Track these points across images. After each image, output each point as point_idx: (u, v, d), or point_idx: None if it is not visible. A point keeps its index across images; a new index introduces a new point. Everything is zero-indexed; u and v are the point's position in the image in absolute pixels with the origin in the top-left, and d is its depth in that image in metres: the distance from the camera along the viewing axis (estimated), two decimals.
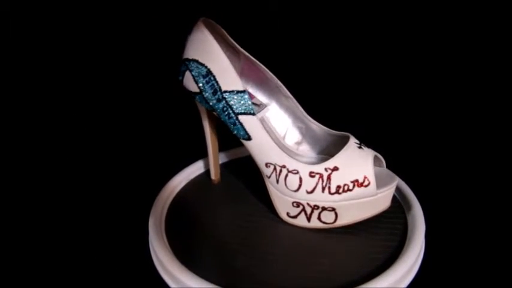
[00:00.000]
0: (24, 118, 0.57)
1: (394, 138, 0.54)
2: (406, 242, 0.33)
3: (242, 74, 0.39)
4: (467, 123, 0.58)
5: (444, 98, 0.60)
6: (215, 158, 0.42)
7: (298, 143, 0.40)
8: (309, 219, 0.35)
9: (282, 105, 0.40)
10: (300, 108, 0.39)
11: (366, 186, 0.33)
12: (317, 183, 0.33)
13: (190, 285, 0.29)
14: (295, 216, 0.35)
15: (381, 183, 0.34)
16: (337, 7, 0.59)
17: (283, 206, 0.36)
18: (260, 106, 0.39)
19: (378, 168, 0.37)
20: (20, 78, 0.55)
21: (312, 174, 0.34)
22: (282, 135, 0.40)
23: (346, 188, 0.33)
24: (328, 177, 0.33)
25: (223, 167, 0.45)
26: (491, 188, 0.48)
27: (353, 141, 0.35)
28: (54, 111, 0.59)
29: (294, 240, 0.35)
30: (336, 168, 0.33)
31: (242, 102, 0.34)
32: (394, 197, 0.38)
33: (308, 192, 0.34)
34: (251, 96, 0.39)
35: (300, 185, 0.34)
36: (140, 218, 0.37)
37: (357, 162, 0.34)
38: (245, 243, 0.34)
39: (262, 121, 0.39)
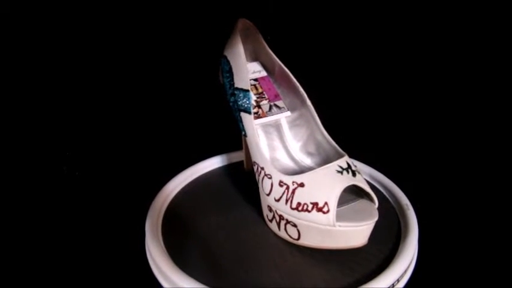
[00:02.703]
0: (25, 119, 0.54)
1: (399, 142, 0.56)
2: (400, 246, 0.34)
3: (276, 78, 0.41)
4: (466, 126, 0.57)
5: (440, 100, 0.59)
6: (246, 150, 0.45)
7: (311, 154, 0.39)
8: (278, 227, 0.35)
9: (303, 115, 0.40)
10: (318, 121, 0.38)
11: (324, 212, 0.31)
12: (283, 194, 0.33)
13: (182, 286, 0.30)
14: (270, 220, 0.36)
15: (349, 218, 0.31)
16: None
17: (264, 206, 0.37)
18: (281, 109, 0.40)
19: (364, 202, 0.33)
20: (29, 79, 0.53)
21: (281, 184, 0.34)
22: (298, 143, 0.40)
23: (305, 207, 0.32)
24: (293, 191, 0.33)
25: (221, 170, 0.46)
26: (485, 190, 0.49)
27: (336, 164, 0.33)
28: (54, 112, 0.55)
29: (285, 245, 0.35)
30: (302, 185, 0.32)
31: (245, 100, 0.37)
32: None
33: (275, 200, 0.34)
34: (278, 98, 0.41)
35: (270, 190, 0.35)
36: (137, 220, 0.38)
37: (324, 185, 0.32)
38: (238, 247, 0.35)
39: (278, 123, 0.41)
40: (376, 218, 0.32)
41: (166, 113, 0.59)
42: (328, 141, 0.37)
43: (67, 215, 0.45)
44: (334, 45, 0.58)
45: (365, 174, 0.44)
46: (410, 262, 0.33)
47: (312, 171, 0.33)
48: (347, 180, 0.32)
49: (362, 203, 0.33)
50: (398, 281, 0.32)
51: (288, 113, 0.40)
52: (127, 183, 0.50)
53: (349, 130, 0.51)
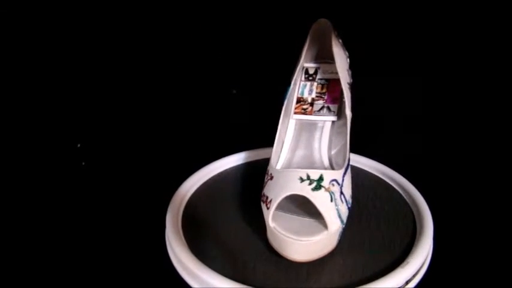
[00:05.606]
0: (44, 125, 0.52)
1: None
2: (415, 242, 0.34)
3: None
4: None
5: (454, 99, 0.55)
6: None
7: (337, 163, 0.37)
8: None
9: (345, 124, 0.37)
10: (348, 132, 0.36)
11: (267, 208, 0.32)
12: (264, 182, 0.35)
13: (213, 284, 0.30)
14: None
15: (287, 226, 0.31)
16: None
17: None
18: (330, 112, 0.39)
19: (320, 224, 0.30)
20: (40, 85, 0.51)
21: (267, 173, 0.35)
22: (334, 149, 0.39)
23: (263, 198, 0.33)
24: (266, 182, 0.34)
25: (238, 168, 0.47)
26: (499, 187, 0.48)
27: (306, 172, 0.31)
28: (77, 114, 0.54)
29: None
30: (272, 178, 0.33)
31: (286, 93, 0.39)
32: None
33: (262, 186, 0.36)
34: (335, 102, 0.40)
35: (265, 177, 0.37)
36: (157, 215, 0.38)
37: (280, 185, 0.32)
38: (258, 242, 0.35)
39: (323, 125, 0.40)
40: (311, 239, 0.30)
41: (183, 112, 0.58)
42: (346, 152, 0.35)
43: (85, 216, 0.46)
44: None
45: (379, 172, 0.45)
46: (422, 265, 0.32)
47: (286, 169, 0.33)
48: (298, 189, 0.31)
49: (317, 223, 0.31)
50: (407, 282, 0.30)
51: (334, 118, 0.39)
52: (143, 183, 0.50)
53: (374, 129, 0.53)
